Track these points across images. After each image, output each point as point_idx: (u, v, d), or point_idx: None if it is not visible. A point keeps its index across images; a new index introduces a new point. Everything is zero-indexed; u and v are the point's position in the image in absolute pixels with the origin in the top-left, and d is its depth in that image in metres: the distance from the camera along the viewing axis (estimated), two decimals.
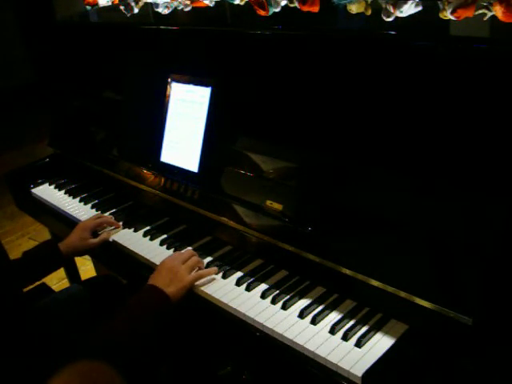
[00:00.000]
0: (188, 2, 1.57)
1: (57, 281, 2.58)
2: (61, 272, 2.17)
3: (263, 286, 1.18)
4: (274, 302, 1.12)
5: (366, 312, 1.07)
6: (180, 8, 1.61)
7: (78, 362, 0.90)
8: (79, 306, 1.47)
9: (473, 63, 0.96)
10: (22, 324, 0.97)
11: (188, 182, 1.42)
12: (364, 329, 1.02)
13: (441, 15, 1.01)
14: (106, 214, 1.59)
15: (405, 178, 1.04)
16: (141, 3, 1.75)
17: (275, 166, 1.26)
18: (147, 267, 1.32)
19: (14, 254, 1.41)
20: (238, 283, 1.19)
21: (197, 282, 1.20)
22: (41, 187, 1.86)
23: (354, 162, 1.12)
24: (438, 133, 1.00)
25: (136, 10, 1.78)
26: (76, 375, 0.89)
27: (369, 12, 1.12)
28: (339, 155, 1.15)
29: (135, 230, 1.47)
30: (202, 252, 1.32)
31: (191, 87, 1.45)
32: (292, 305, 1.11)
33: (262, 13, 1.31)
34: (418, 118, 1.04)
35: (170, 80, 1.51)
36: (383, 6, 1.08)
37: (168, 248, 1.37)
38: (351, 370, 0.93)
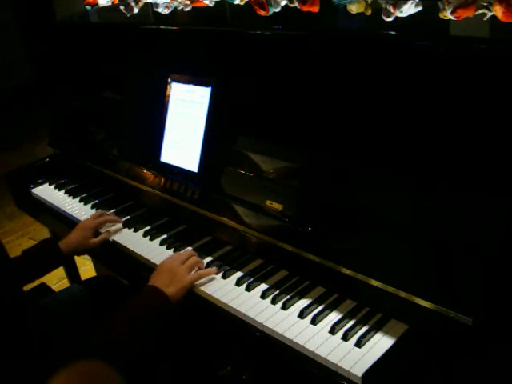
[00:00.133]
0: (188, 2, 1.57)
1: (57, 281, 2.58)
2: (61, 272, 2.18)
3: (263, 286, 1.18)
4: (273, 302, 1.12)
5: (366, 312, 1.07)
6: (180, 8, 1.61)
7: (78, 362, 0.90)
8: (79, 306, 1.47)
9: (473, 63, 0.96)
10: (22, 324, 0.97)
11: (188, 182, 1.42)
12: (364, 329, 1.02)
13: (441, 15, 1.01)
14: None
15: (405, 178, 1.04)
16: (141, 3, 1.75)
17: (275, 166, 1.26)
18: (147, 267, 1.32)
19: (14, 254, 1.40)
20: (238, 283, 1.19)
21: (197, 282, 1.20)
22: (41, 187, 1.86)
23: (354, 161, 1.12)
24: (438, 133, 1.00)
25: (136, 10, 1.78)
26: (76, 375, 0.89)
27: (369, 12, 1.12)
28: (339, 155, 1.15)
29: (135, 230, 1.47)
30: (202, 252, 1.32)
31: (191, 87, 1.45)
32: (292, 305, 1.11)
33: (262, 13, 1.31)
34: (418, 118, 1.04)
35: (169, 80, 1.51)
36: (383, 5, 1.08)
37: (168, 248, 1.37)
38: (351, 370, 0.93)
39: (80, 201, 1.71)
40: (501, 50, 0.92)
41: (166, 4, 1.65)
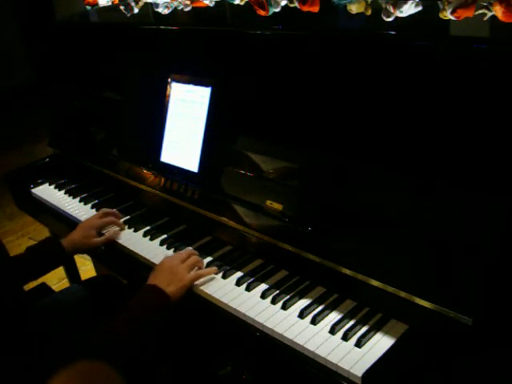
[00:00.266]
0: (188, 2, 1.57)
1: (57, 281, 2.58)
2: (61, 272, 2.18)
3: (263, 286, 1.18)
4: (273, 302, 1.12)
5: (366, 312, 1.07)
6: (180, 8, 1.61)
7: (78, 362, 0.90)
8: (79, 306, 1.47)
9: (473, 63, 0.96)
10: (22, 324, 0.97)
11: (188, 182, 1.42)
12: (364, 329, 1.02)
13: (441, 15, 1.01)
14: None
15: (405, 178, 1.04)
16: (141, 3, 1.75)
17: (275, 166, 1.26)
18: (147, 267, 1.32)
19: (14, 254, 1.41)
20: (238, 283, 1.19)
21: (197, 282, 1.20)
22: (41, 187, 1.86)
23: (354, 162, 1.12)
24: (438, 133, 1.00)
25: (136, 10, 1.78)
26: (76, 375, 0.89)
27: (369, 12, 1.12)
28: (339, 155, 1.15)
29: (135, 230, 1.47)
30: (202, 252, 1.32)
31: (191, 87, 1.45)
32: (292, 305, 1.11)
33: (262, 13, 1.31)
34: (418, 118, 1.04)
35: (169, 80, 1.51)
36: (383, 5, 1.08)
37: (168, 248, 1.37)
38: (351, 370, 0.93)
39: (80, 201, 1.71)
40: (501, 50, 0.92)
41: (165, 4, 1.65)
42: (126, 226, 1.50)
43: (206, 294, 1.18)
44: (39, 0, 5.04)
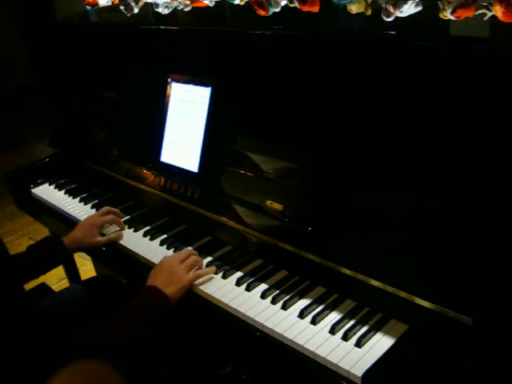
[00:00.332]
0: (188, 2, 1.57)
1: (57, 281, 2.58)
2: (61, 272, 2.18)
3: (263, 286, 1.18)
4: (274, 302, 1.12)
5: (366, 312, 1.07)
6: (180, 8, 1.61)
7: (78, 362, 0.90)
8: (79, 306, 1.47)
9: (473, 63, 0.96)
10: (22, 324, 0.97)
11: (188, 182, 1.42)
12: (364, 329, 1.02)
13: (441, 15, 1.01)
14: None
15: (405, 178, 1.04)
16: (141, 3, 1.75)
17: (275, 166, 1.26)
18: (147, 267, 1.31)
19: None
20: (238, 283, 1.19)
21: (196, 282, 1.20)
22: (41, 187, 1.86)
23: (354, 161, 1.12)
24: (438, 133, 1.00)
25: (136, 10, 1.78)
26: (76, 375, 0.89)
27: (369, 12, 1.12)
28: (339, 155, 1.15)
29: (135, 230, 1.47)
30: (202, 252, 1.32)
31: (191, 87, 1.45)
32: (292, 305, 1.11)
33: (262, 13, 1.31)
34: (418, 118, 1.04)
35: (169, 80, 1.51)
36: (383, 5, 1.08)
37: (168, 248, 1.37)
38: (351, 370, 0.93)
39: (80, 201, 1.71)
40: (501, 50, 0.92)
41: (165, 4, 1.65)
42: (126, 226, 1.50)
43: (206, 293, 1.18)
44: (39, 0, 5.04)
